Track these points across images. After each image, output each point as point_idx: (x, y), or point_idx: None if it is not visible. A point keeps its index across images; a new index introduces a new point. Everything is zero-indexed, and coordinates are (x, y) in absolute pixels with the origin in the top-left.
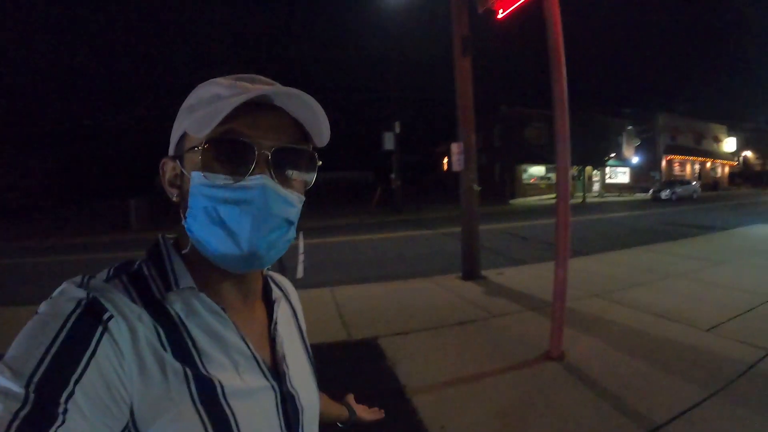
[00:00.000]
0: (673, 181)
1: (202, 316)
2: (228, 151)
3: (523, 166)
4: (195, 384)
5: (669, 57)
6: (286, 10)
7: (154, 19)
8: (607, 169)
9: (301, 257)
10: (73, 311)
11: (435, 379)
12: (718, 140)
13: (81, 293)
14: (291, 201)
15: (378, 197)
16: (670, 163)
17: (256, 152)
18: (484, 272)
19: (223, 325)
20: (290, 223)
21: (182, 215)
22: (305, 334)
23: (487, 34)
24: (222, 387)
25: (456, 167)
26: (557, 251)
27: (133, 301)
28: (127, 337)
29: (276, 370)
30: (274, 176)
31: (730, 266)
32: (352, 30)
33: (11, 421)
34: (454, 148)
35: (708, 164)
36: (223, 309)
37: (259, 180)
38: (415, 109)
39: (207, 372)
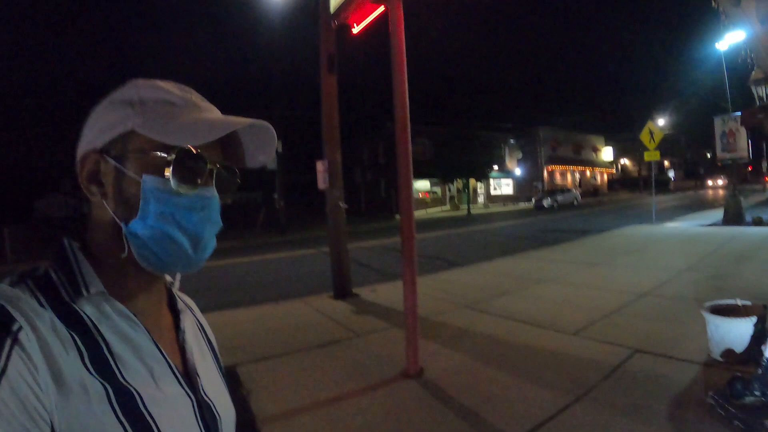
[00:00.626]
0: (554, 190)
1: (114, 322)
2: (191, 163)
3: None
4: (115, 394)
5: (548, 73)
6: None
7: None
8: (492, 181)
9: (176, 283)
10: None
11: (288, 407)
12: (596, 150)
13: None
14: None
15: (262, 218)
16: (551, 173)
17: (208, 166)
18: (357, 290)
19: (136, 330)
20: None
21: (117, 216)
22: (216, 349)
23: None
24: (140, 396)
25: (321, 185)
26: (404, 268)
27: (43, 307)
28: (40, 349)
29: (189, 378)
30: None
31: (602, 268)
32: (235, 47)
33: None
34: (319, 165)
35: (588, 173)
36: (135, 314)
37: (212, 191)
38: (302, 128)
39: (125, 380)
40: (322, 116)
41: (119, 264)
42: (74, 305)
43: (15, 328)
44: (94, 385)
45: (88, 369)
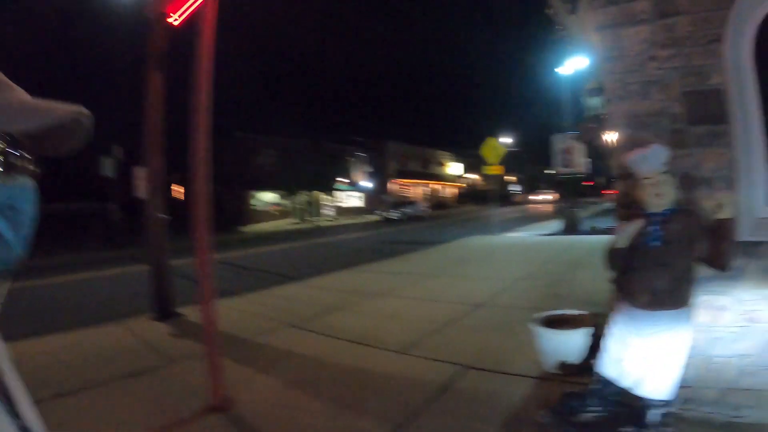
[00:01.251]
0: (401, 203)
1: None
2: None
3: (255, 193)
4: None
5: (398, 90)
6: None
7: None
8: (342, 194)
9: None
10: None
11: None
12: (444, 165)
13: None
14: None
15: (97, 230)
16: (400, 186)
17: (22, 155)
18: (183, 310)
19: None
20: None
21: None
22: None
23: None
24: None
25: (140, 194)
26: (201, 287)
27: None
28: None
29: None
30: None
31: (440, 279)
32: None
33: None
34: (138, 173)
35: (436, 186)
36: None
37: (23, 181)
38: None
39: None
40: (144, 119)
41: None
42: None
43: None
44: None
45: None
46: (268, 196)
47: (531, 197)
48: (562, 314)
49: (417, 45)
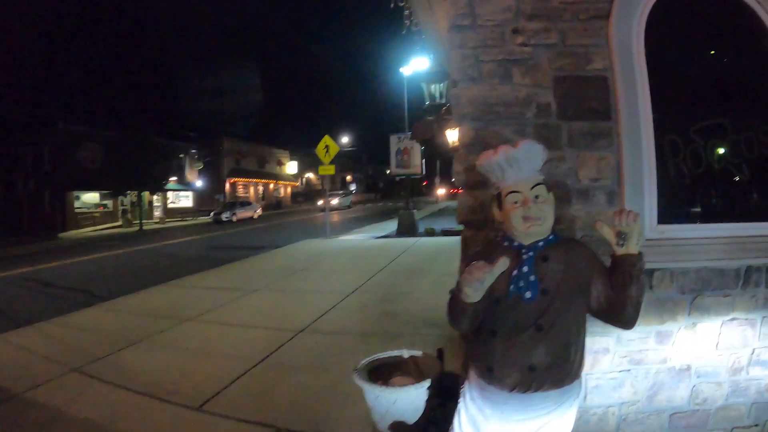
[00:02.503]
0: (233, 203)
1: None
2: None
3: (76, 193)
4: None
5: (238, 84)
6: None
7: None
8: (171, 194)
9: None
10: None
11: None
12: (281, 163)
13: None
14: None
15: None
16: (234, 185)
17: None
18: None
19: None
20: None
21: None
22: None
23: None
24: None
25: None
26: None
27: None
28: None
29: None
30: None
31: (261, 295)
32: None
33: None
34: None
35: (272, 186)
36: None
37: None
38: None
39: None
40: None
41: None
42: None
43: None
44: None
45: None
46: (92, 197)
47: (321, 203)
48: (391, 357)
49: (256, 37)
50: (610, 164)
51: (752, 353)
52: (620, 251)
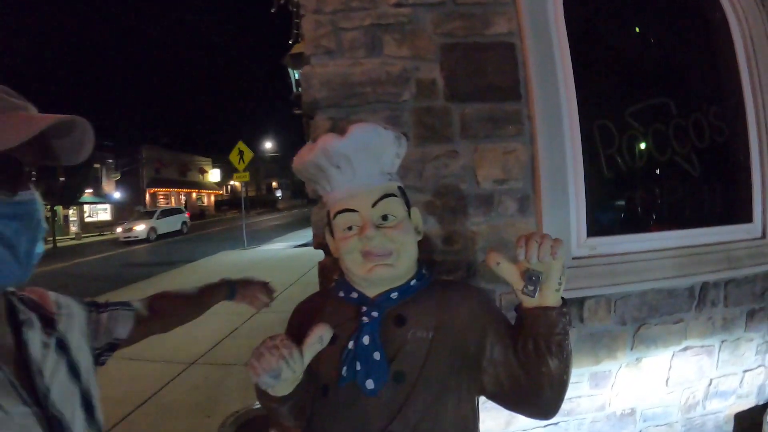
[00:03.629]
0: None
1: None
2: (4, 169)
3: None
4: None
5: (153, 90)
6: None
7: None
8: (87, 207)
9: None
10: None
11: None
12: (203, 171)
13: None
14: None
15: None
16: (154, 195)
17: (25, 169)
18: None
19: None
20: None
21: None
22: (81, 362)
23: None
24: None
25: None
26: None
27: None
28: None
29: (35, 393)
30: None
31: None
32: None
33: None
34: None
35: (194, 194)
36: None
37: (31, 195)
38: None
39: None
40: None
41: None
42: None
43: None
44: None
45: None
46: None
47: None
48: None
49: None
50: (520, 160)
51: (709, 384)
52: (530, 302)
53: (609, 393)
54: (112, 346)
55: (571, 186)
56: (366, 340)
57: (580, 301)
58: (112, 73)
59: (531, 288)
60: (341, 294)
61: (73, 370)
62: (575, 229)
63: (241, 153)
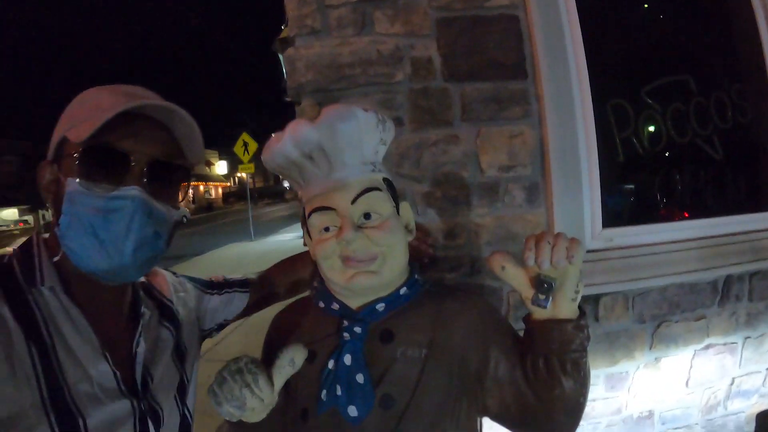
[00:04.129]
0: None
1: (61, 319)
2: (103, 160)
3: None
4: (47, 387)
5: (164, 79)
6: None
7: None
8: None
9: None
10: None
11: None
12: (210, 164)
13: None
14: (162, 214)
15: None
16: None
17: (132, 163)
18: None
19: (82, 330)
20: (159, 236)
21: (54, 221)
22: (189, 348)
23: None
24: (71, 393)
25: None
26: None
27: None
28: None
29: (135, 384)
30: (147, 188)
31: None
32: None
33: None
34: None
35: (201, 187)
36: (84, 314)
37: (132, 191)
38: None
39: (63, 378)
40: None
41: (69, 262)
42: (27, 298)
43: None
44: (29, 377)
45: (26, 359)
46: (10, 213)
47: None
48: None
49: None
50: (527, 144)
51: (731, 384)
52: (542, 314)
53: (626, 395)
54: (221, 326)
55: (585, 172)
56: (348, 359)
57: (596, 299)
58: (117, 66)
59: (542, 297)
60: (321, 305)
61: (180, 355)
62: (589, 219)
63: (245, 144)
